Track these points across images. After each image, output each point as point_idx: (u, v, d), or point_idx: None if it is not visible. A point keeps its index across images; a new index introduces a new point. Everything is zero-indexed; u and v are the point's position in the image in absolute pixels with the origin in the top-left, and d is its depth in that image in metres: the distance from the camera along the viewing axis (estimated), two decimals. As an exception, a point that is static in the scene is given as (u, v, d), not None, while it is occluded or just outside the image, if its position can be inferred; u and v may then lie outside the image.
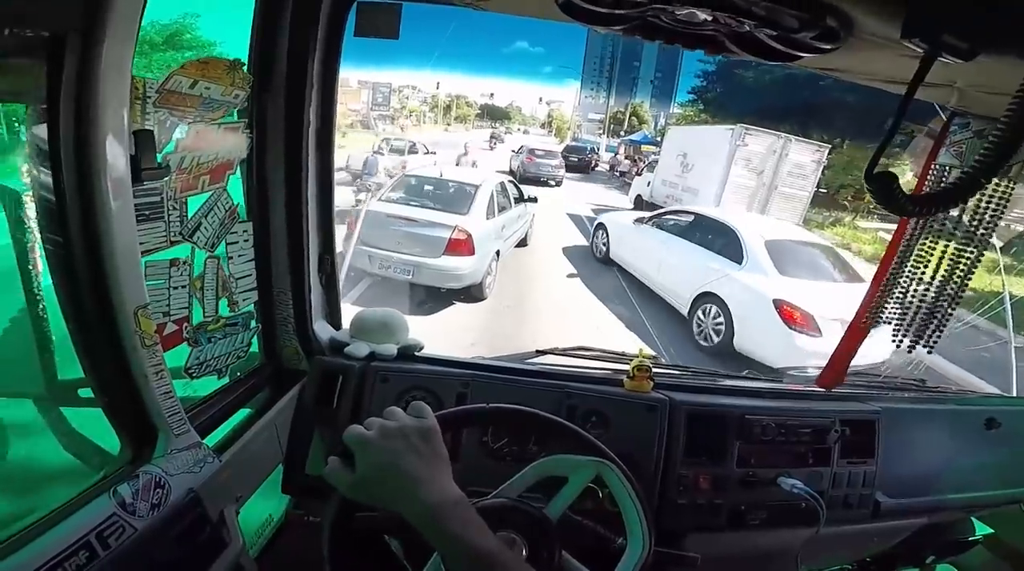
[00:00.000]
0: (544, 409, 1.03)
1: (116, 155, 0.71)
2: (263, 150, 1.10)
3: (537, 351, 1.64)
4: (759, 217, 8.92)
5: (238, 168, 1.02)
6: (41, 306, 0.94)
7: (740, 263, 5.31)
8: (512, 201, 7.37)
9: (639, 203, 13.19)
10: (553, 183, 17.07)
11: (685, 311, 5.70)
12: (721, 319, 5.22)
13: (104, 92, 0.67)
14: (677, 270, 6.09)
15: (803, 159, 9.66)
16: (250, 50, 1.02)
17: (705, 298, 5.44)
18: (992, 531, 1.71)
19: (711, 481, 1.29)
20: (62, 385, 1.01)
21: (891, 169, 0.77)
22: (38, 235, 0.76)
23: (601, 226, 8.32)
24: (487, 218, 6.13)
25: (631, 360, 1.37)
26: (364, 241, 5.64)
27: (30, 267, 0.90)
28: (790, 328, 4.64)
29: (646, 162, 18.15)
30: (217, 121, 0.93)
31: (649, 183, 13.00)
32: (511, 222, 7.26)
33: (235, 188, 1.04)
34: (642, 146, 29.75)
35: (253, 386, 1.21)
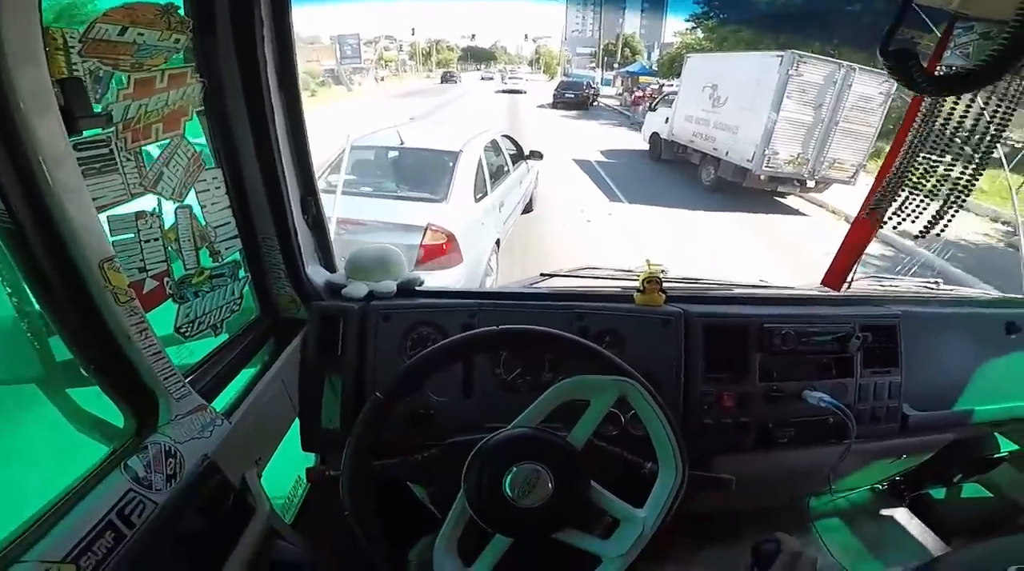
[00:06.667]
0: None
1: (41, 107, 0.66)
2: (220, 94, 1.04)
3: (542, 274, 1.60)
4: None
5: (194, 115, 0.97)
6: (23, 289, 0.88)
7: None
8: (509, 160, 5.44)
9: (656, 143, 11.84)
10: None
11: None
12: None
13: (8, 45, 0.62)
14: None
15: (869, 91, 8.18)
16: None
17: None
18: (1018, 447, 1.66)
19: (736, 399, 1.25)
20: (61, 365, 0.97)
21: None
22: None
23: None
24: (476, 199, 4.19)
25: (639, 276, 1.31)
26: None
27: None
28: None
29: (655, 95, 16.77)
30: (159, 67, 0.87)
31: (668, 119, 11.23)
32: (510, 191, 5.26)
33: (197, 135, 0.99)
34: (640, 77, 29.13)
35: (253, 341, 1.19)
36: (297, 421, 1.26)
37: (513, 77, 40.00)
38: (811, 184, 8.72)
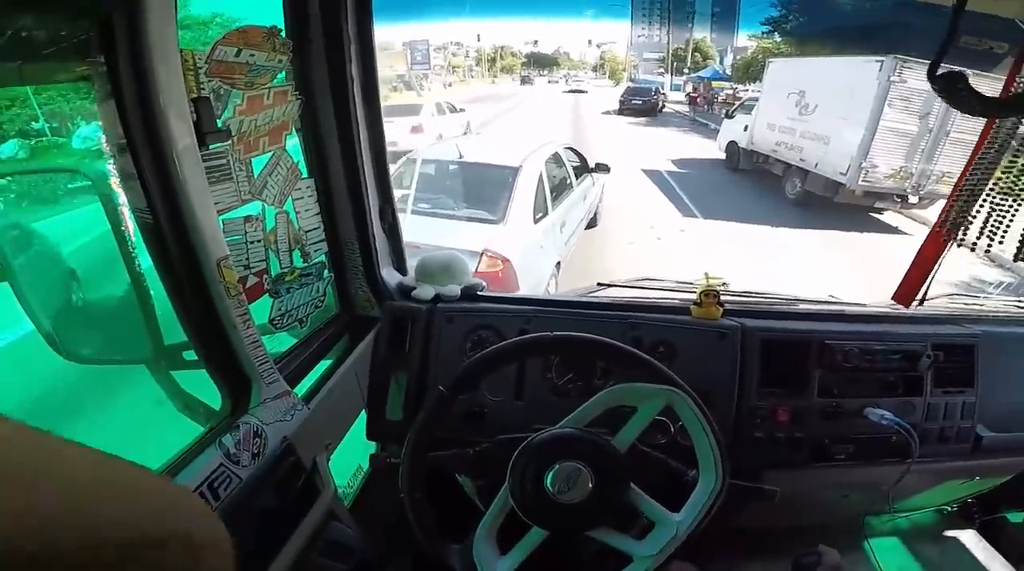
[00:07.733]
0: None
1: (180, 122, 0.77)
2: (314, 109, 1.15)
3: (599, 284, 1.62)
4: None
5: (293, 129, 1.08)
6: (142, 278, 1.00)
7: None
8: (573, 174, 5.00)
9: (733, 152, 10.87)
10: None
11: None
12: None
13: (156, 65, 0.72)
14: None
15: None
16: (284, 16, 1.06)
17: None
18: None
19: (790, 413, 1.23)
20: (168, 350, 1.08)
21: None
22: (128, 208, 0.83)
23: None
24: (535, 219, 3.91)
25: (697, 289, 1.30)
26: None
27: (128, 244, 0.97)
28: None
29: (729, 100, 15.93)
30: (267, 86, 0.98)
31: (747, 127, 10.29)
32: (573, 208, 4.88)
33: (294, 148, 1.10)
34: (712, 82, 28.56)
35: (332, 335, 1.30)
36: (363, 411, 1.34)
37: (576, 80, 48.60)
38: (914, 199, 7.72)
